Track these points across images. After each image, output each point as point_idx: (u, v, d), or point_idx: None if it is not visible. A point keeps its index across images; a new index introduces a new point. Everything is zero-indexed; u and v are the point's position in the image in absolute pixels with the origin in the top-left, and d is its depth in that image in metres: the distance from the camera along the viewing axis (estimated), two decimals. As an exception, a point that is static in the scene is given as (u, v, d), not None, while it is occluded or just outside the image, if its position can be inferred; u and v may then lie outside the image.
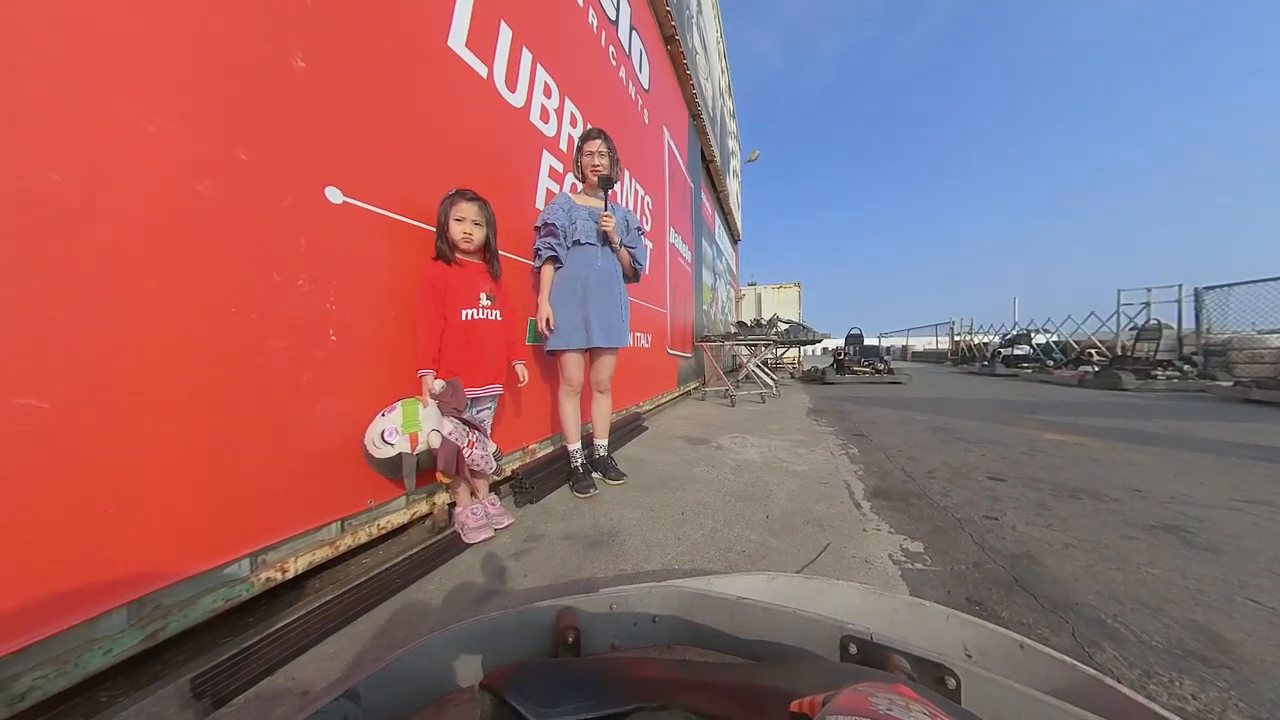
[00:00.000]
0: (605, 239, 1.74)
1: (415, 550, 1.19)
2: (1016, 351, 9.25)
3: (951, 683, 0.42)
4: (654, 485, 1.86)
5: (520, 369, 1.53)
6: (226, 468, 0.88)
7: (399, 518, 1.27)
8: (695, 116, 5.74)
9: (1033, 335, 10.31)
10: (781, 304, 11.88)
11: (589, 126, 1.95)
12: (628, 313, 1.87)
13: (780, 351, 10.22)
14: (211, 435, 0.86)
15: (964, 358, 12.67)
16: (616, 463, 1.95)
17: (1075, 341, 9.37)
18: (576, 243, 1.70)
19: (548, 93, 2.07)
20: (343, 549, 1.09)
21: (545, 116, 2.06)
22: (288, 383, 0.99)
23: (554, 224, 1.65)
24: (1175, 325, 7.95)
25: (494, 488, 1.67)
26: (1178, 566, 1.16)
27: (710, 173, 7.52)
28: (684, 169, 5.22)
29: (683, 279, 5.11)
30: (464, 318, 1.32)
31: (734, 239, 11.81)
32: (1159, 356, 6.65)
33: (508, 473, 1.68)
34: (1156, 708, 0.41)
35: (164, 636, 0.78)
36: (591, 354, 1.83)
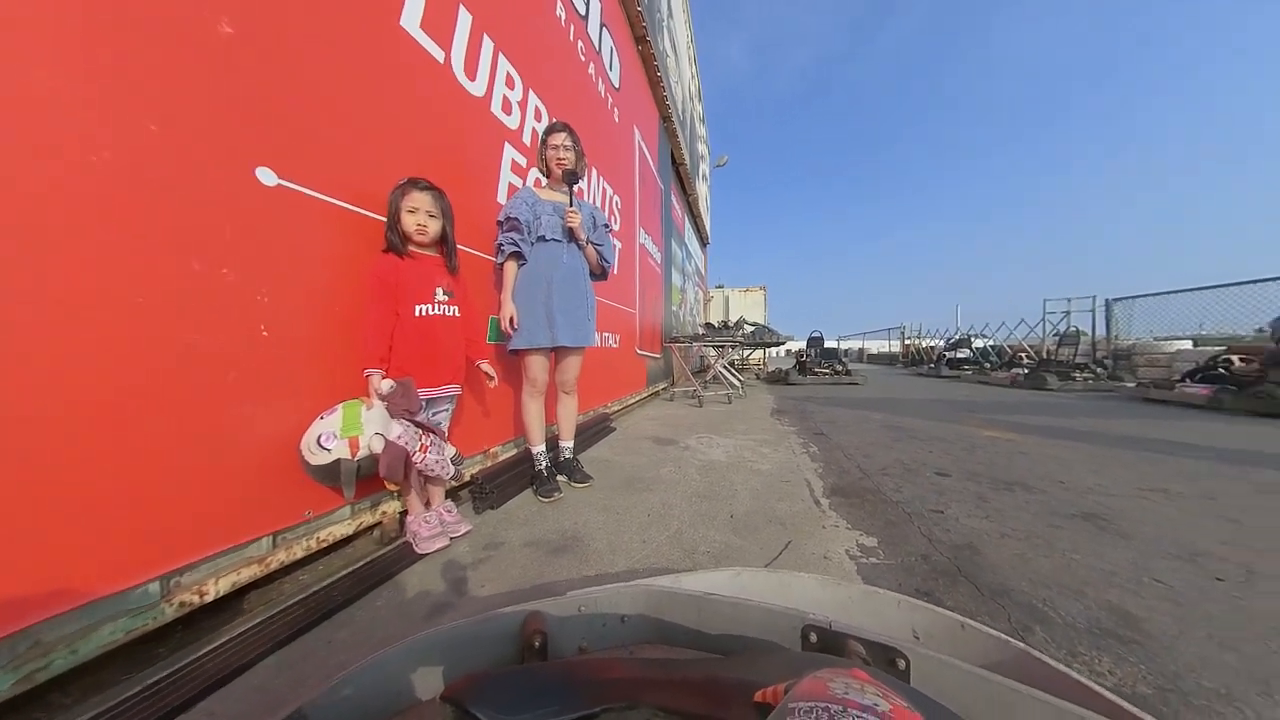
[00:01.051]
0: (571, 236, 1.70)
1: (361, 564, 1.10)
2: (959, 355, 9.94)
3: (901, 664, 0.44)
4: (620, 487, 1.84)
5: (486, 368, 1.47)
6: (131, 479, 0.78)
7: (342, 529, 1.17)
8: (666, 119, 5.78)
9: (973, 340, 11.15)
10: (748, 307, 12.19)
11: (554, 120, 1.90)
12: (594, 311, 1.84)
13: (746, 353, 10.49)
14: (111, 442, 0.75)
15: (914, 360, 13.49)
16: (582, 465, 1.91)
17: (1009, 346, 10.22)
18: (541, 239, 1.65)
19: (510, 84, 2.00)
20: (275, 566, 0.99)
21: (507, 108, 1.99)
22: (209, 383, 0.89)
23: (517, 219, 1.59)
24: (1090, 332, 8.85)
25: (452, 494, 1.59)
26: (1095, 551, 1.27)
27: (680, 175, 7.59)
28: (654, 170, 5.24)
29: (652, 280, 5.13)
30: (418, 314, 1.25)
31: (703, 242, 12.00)
32: (1077, 360, 7.34)
33: (467, 478, 1.60)
34: (1075, 674, 0.46)
35: (45, 678, 0.67)
36: (557, 354, 1.79)
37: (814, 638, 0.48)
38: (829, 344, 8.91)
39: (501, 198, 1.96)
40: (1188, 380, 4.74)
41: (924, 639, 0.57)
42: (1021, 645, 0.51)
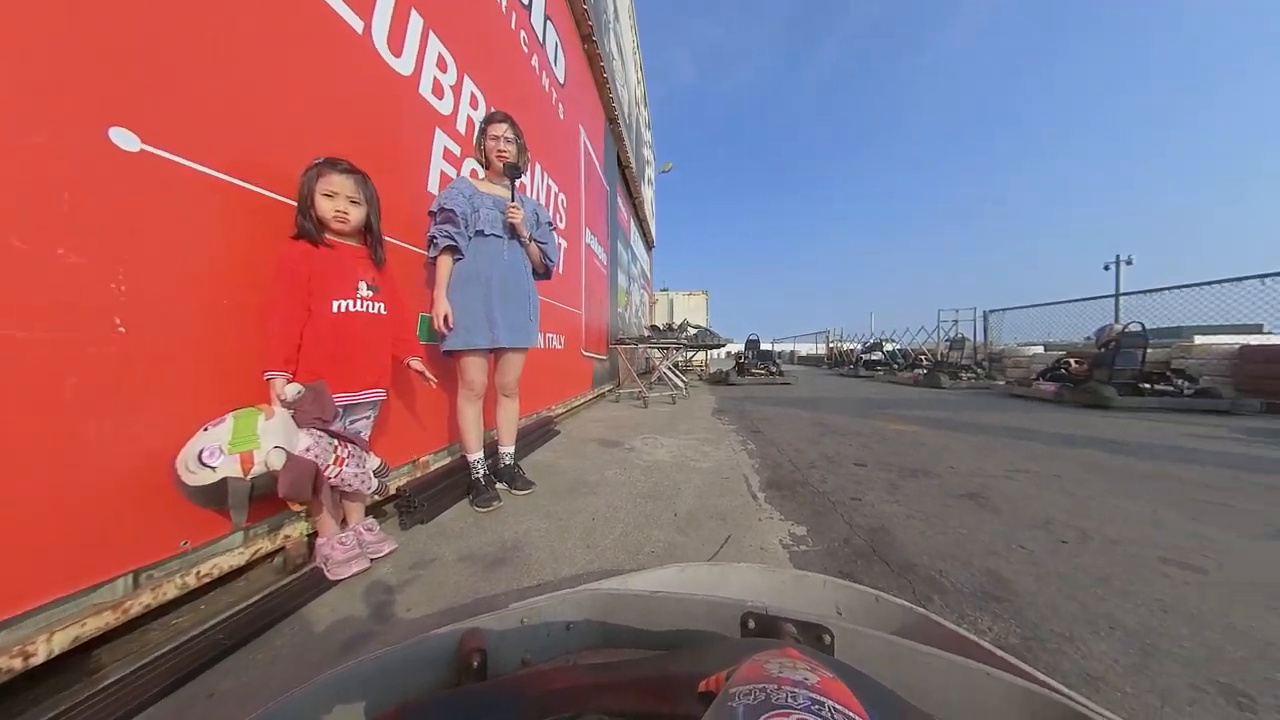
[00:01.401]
0: (513, 232, 1.62)
1: (256, 599, 0.95)
2: (873, 357, 11.07)
3: (827, 639, 0.48)
4: (564, 492, 1.78)
5: (418, 366, 1.35)
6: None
7: (232, 560, 1.00)
8: (612, 121, 5.78)
9: (884, 344, 12.48)
10: (691, 310, 12.56)
11: (493, 109, 1.81)
12: (537, 311, 1.77)
13: (689, 355, 10.80)
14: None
15: (836, 362, 14.78)
16: (524, 471, 1.83)
17: (912, 349, 11.59)
18: (480, 233, 1.55)
19: (442, 65, 1.87)
20: (138, 610, 0.82)
21: (439, 91, 1.86)
22: (38, 390, 0.71)
23: (452, 210, 1.48)
24: (973, 338, 10.32)
25: (374, 510, 1.43)
26: (977, 525, 1.45)
27: (626, 178, 7.63)
28: (600, 171, 5.21)
29: (598, 281, 5.08)
30: (336, 310, 1.11)
31: (648, 245, 12.17)
32: (963, 362, 8.53)
33: (393, 491, 1.46)
34: (964, 632, 0.53)
35: None
36: (497, 355, 1.69)
37: (752, 624, 0.50)
38: (765, 347, 9.47)
39: (433, 187, 1.82)
40: (1040, 379, 5.68)
41: (846, 614, 0.62)
42: (923, 611, 0.58)
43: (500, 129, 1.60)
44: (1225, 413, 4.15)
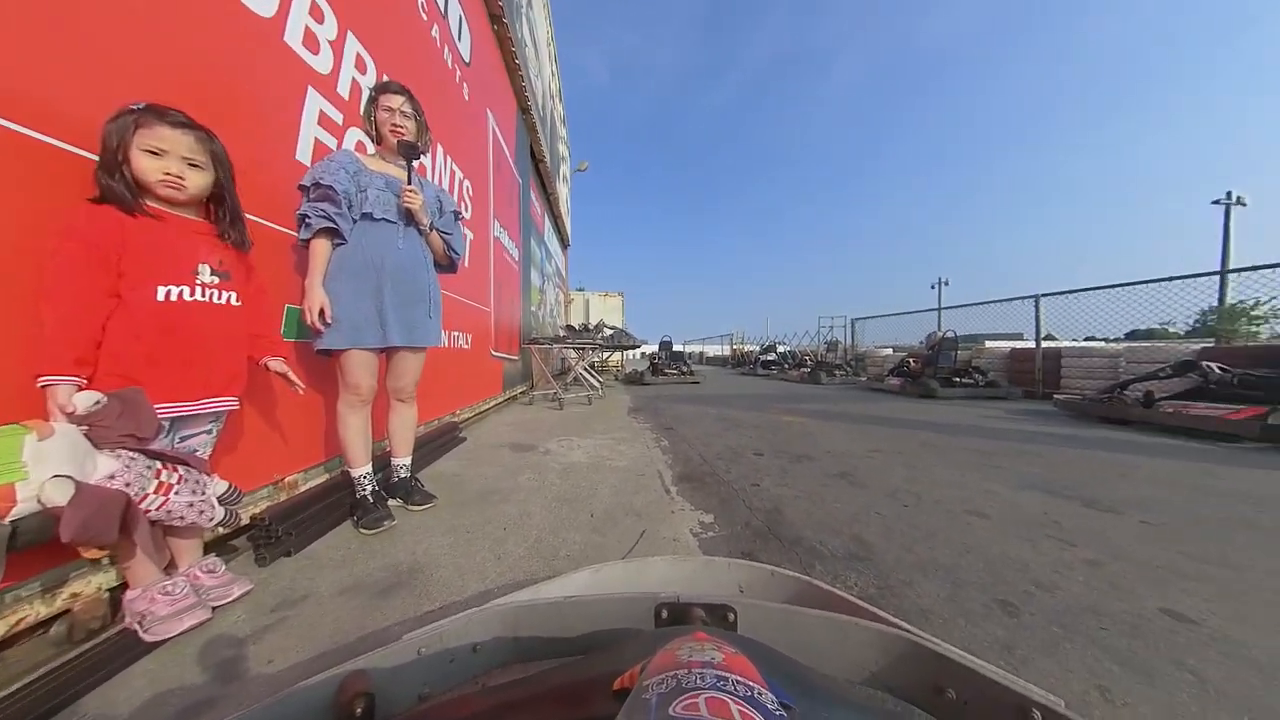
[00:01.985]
0: (410, 218, 1.45)
1: (23, 685, 0.70)
2: (769, 358, 12.41)
3: (731, 616, 0.50)
4: (472, 502, 1.65)
5: (279, 367, 1.12)
6: None
7: (-19, 635, 0.73)
8: (525, 110, 5.53)
9: (777, 346, 14.06)
10: (607, 311, 12.63)
11: (387, 78, 1.60)
12: (440, 307, 1.61)
13: (606, 355, 10.86)
14: None
15: (739, 362, 16.19)
16: (423, 483, 1.65)
17: (799, 351, 13.27)
18: (368, 217, 1.36)
19: (318, 15, 1.60)
20: None
21: (314, 45, 1.59)
22: None
23: (331, 187, 1.28)
24: (843, 341, 12.19)
25: (218, 546, 1.16)
26: (847, 499, 1.70)
27: (540, 172, 7.37)
28: (512, 162, 4.95)
29: (509, 277, 4.83)
30: (163, 298, 0.88)
31: (564, 243, 11.93)
32: (837, 362, 10.03)
33: (247, 520, 1.20)
34: (840, 592, 0.61)
35: None
36: (389, 355, 1.50)
37: (665, 614, 0.52)
38: (676, 348, 9.95)
39: (304, 157, 1.54)
40: (889, 375, 6.94)
41: (748, 591, 0.67)
42: (808, 579, 0.66)
43: (396, 100, 1.42)
44: (1002, 398, 5.54)
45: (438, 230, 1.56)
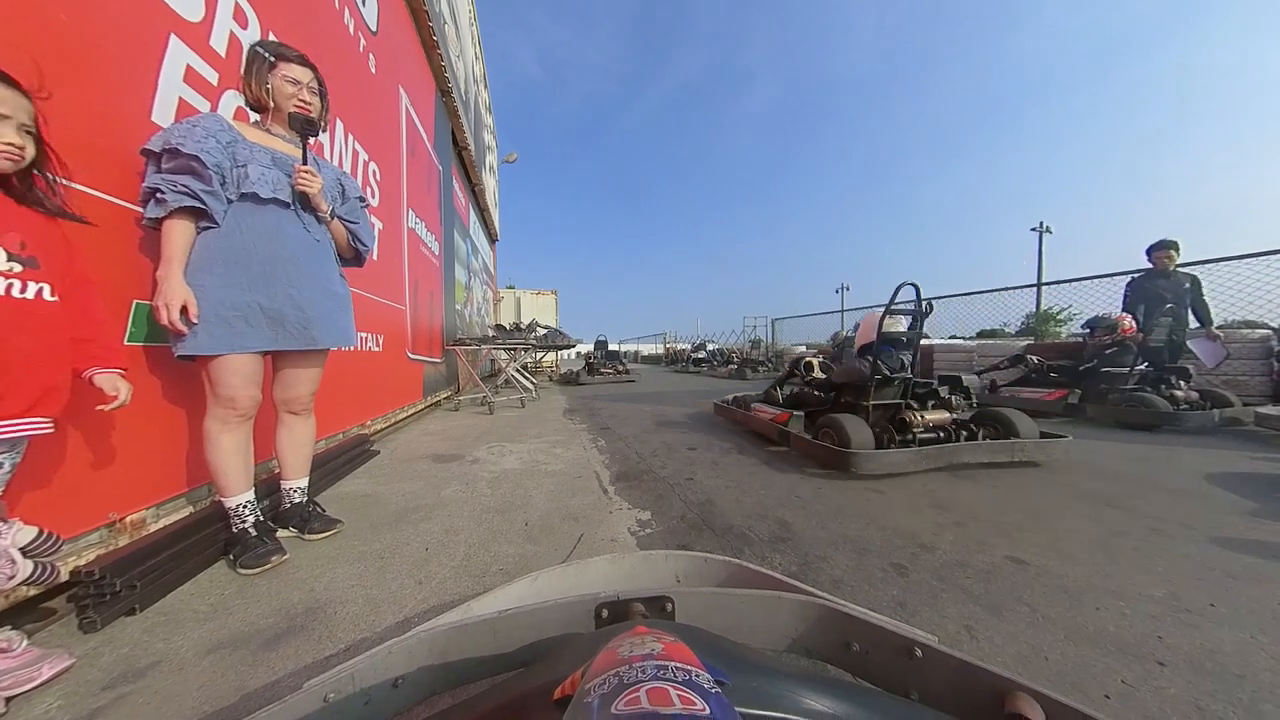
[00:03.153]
0: (305, 202, 1.25)
1: None
2: (700, 356, 12.98)
3: (669, 606, 0.52)
4: (386, 524, 1.48)
5: (105, 382, 0.89)
6: None
7: None
8: (446, 93, 5.12)
9: (707, 345, 14.76)
10: (540, 309, 12.22)
11: (275, 39, 1.36)
12: (349, 304, 1.42)
13: (540, 355, 10.51)
14: None
15: (672, 360, 16.69)
16: (324, 508, 1.44)
17: (727, 349, 14.07)
18: (251, 197, 1.15)
19: (180, -49, 1.32)
20: None
21: (176, -15, 1.30)
22: None
23: (197, 157, 1.05)
24: (765, 339, 13.22)
25: (21, 611, 0.90)
26: (771, 486, 1.83)
27: (464, 161, 6.90)
28: (430, 147, 4.55)
29: (429, 272, 4.44)
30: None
31: (492, 238, 11.30)
32: (760, 359, 10.81)
33: (66, 576, 0.93)
34: (769, 571, 0.63)
35: None
36: (278, 361, 1.29)
37: (606, 613, 0.52)
38: (612, 347, 9.96)
39: (163, 118, 1.26)
40: (807, 371, 7.70)
41: (683, 580, 0.69)
42: (739, 562, 0.69)
43: (304, 75, 1.23)
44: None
45: (341, 219, 1.37)
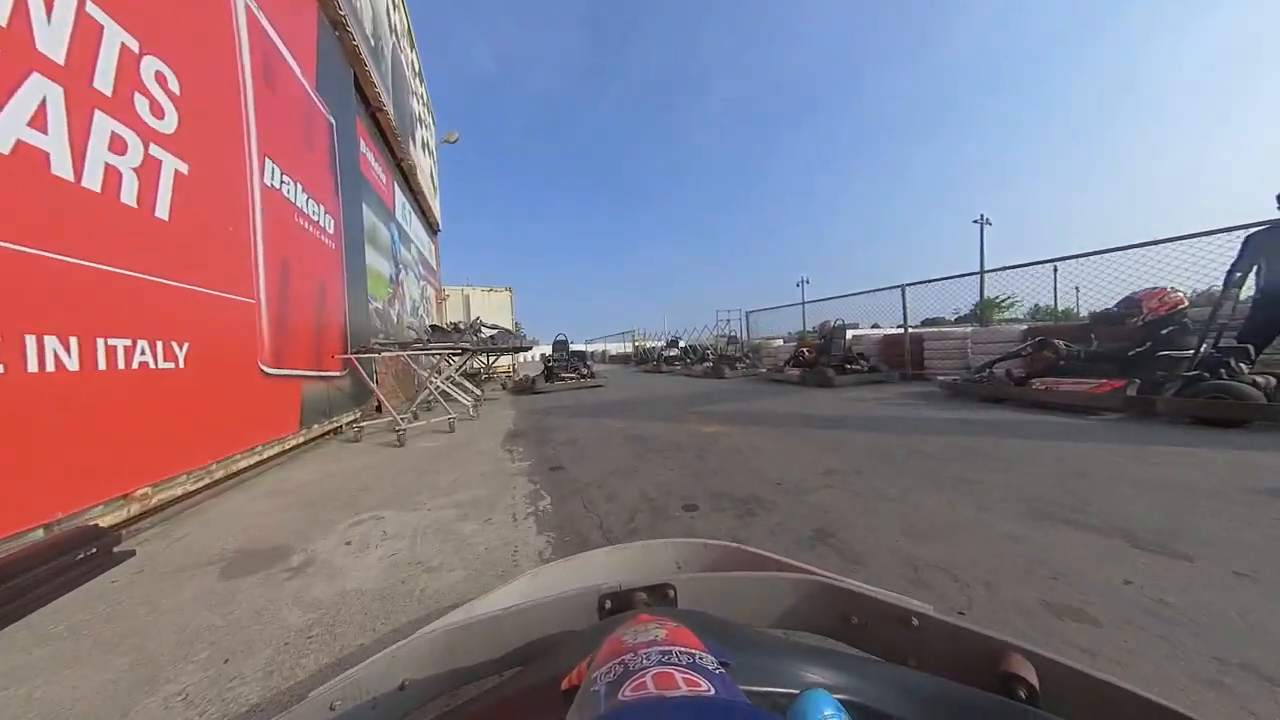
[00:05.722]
0: None
1: None
2: (672, 354, 12.13)
3: (671, 593, 0.54)
4: None
5: None
6: None
7: None
8: (340, 25, 3.94)
9: (679, 341, 13.95)
10: (493, 308, 10.95)
11: None
12: None
13: (491, 360, 9.27)
14: None
15: (642, 359, 15.74)
16: None
17: (700, 345, 13.32)
18: None
19: None
20: None
21: None
22: None
23: None
24: (740, 333, 12.53)
25: None
26: (760, 471, 1.48)
27: (381, 127, 5.66)
28: (309, 88, 3.38)
29: (314, 255, 3.28)
30: None
31: (432, 228, 9.94)
32: (738, 355, 10.08)
33: None
34: (765, 552, 0.67)
35: None
36: None
37: (609, 604, 0.53)
38: (578, 347, 8.91)
39: None
40: (787, 366, 6.98)
41: (684, 566, 0.70)
42: (736, 545, 0.71)
43: None
44: (886, 382, 5.79)
45: None
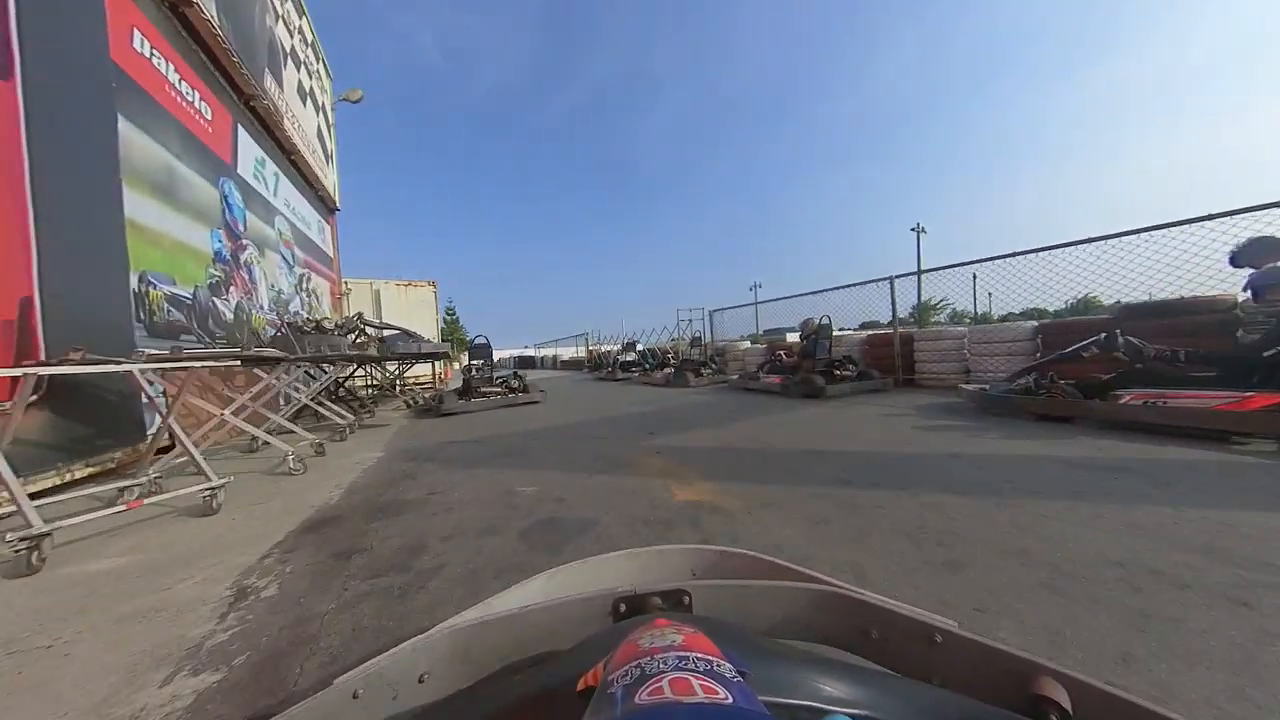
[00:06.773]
0: None
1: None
2: (629, 358, 10.86)
3: (686, 599, 0.53)
4: None
5: None
6: None
7: None
8: None
9: (636, 344, 12.72)
10: (411, 306, 9.12)
11: None
12: None
13: (401, 368, 7.48)
14: None
15: (596, 365, 14.29)
16: None
17: (659, 348, 12.15)
18: None
19: None
20: None
21: None
22: None
23: None
24: (703, 334, 11.48)
25: None
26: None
27: (199, 34, 3.92)
28: None
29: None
30: None
31: (326, 206, 7.99)
32: (703, 359, 8.99)
33: None
34: (782, 561, 0.65)
35: None
36: None
37: (623, 608, 0.53)
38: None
39: None
40: (761, 372, 5.96)
41: (699, 573, 0.71)
42: (753, 553, 0.69)
43: None
44: (880, 390, 4.96)
45: None
